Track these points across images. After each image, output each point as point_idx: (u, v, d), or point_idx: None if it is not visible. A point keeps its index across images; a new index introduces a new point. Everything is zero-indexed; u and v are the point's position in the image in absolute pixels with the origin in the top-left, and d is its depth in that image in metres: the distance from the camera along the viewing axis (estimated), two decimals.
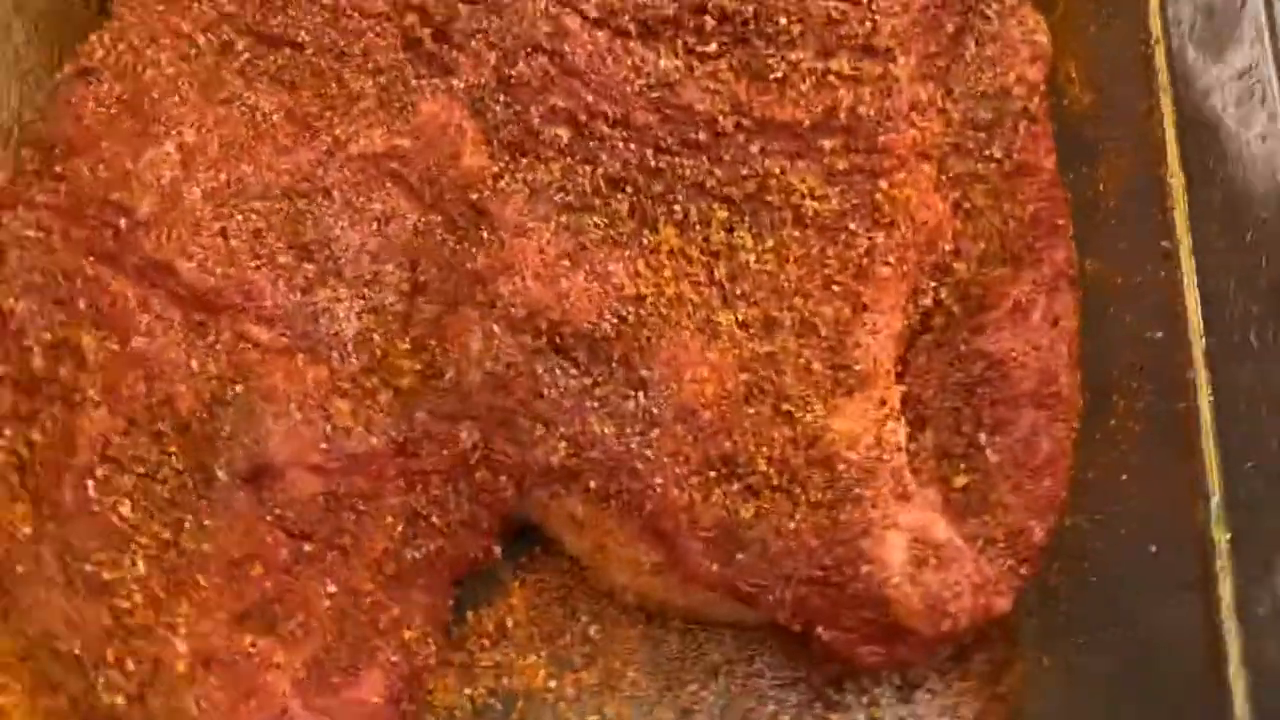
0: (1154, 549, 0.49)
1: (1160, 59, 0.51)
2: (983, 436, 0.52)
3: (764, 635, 0.56)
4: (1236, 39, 0.47)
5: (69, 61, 0.60)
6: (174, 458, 0.49)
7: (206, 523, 0.47)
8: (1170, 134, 0.49)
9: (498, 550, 0.53)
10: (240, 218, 0.53)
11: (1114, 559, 0.50)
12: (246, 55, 0.58)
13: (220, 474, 0.47)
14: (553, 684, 0.55)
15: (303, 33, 0.58)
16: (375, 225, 0.54)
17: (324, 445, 0.49)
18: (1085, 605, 0.51)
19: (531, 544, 0.56)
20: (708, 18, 0.56)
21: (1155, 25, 0.52)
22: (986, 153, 0.58)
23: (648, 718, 0.54)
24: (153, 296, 0.52)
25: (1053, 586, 0.52)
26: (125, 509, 0.48)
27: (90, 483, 0.48)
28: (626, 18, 0.56)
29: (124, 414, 0.49)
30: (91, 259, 0.53)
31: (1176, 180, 0.49)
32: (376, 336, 0.53)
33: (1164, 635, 0.48)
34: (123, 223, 0.53)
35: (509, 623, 0.55)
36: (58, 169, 0.56)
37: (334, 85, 0.56)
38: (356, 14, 0.58)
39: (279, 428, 0.48)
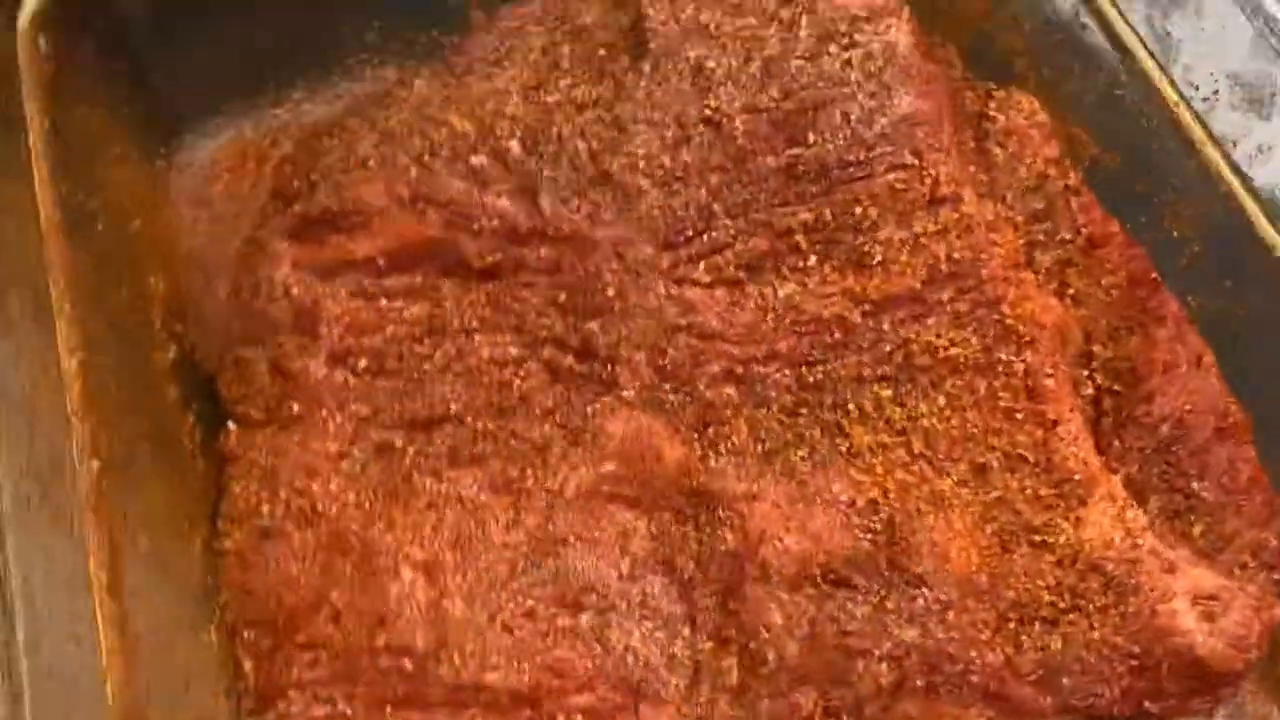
0: None
1: (1188, 119, 0.59)
2: (1194, 485, 0.59)
3: None
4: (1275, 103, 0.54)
5: (224, 524, 0.60)
6: None
7: None
8: (1236, 182, 0.57)
9: None
10: (511, 605, 0.55)
11: None
12: (412, 450, 0.59)
13: None
14: None
15: (451, 405, 0.60)
16: (618, 549, 0.57)
17: None
18: None
19: None
20: (797, 236, 0.61)
21: (1169, 91, 0.60)
22: (1059, 238, 0.65)
23: None
24: (475, 717, 0.53)
25: None
26: None
27: None
28: (732, 268, 0.60)
29: None
30: (391, 708, 0.54)
31: (1260, 219, 0.57)
32: (678, 650, 0.56)
33: None
34: (407, 663, 0.54)
35: None
36: (300, 638, 0.56)
37: (514, 442, 0.58)
38: (494, 367, 0.60)
39: None
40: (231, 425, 0.63)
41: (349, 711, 0.54)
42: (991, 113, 0.68)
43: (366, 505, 0.58)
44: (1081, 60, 0.67)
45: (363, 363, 0.61)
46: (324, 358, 0.62)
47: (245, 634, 0.57)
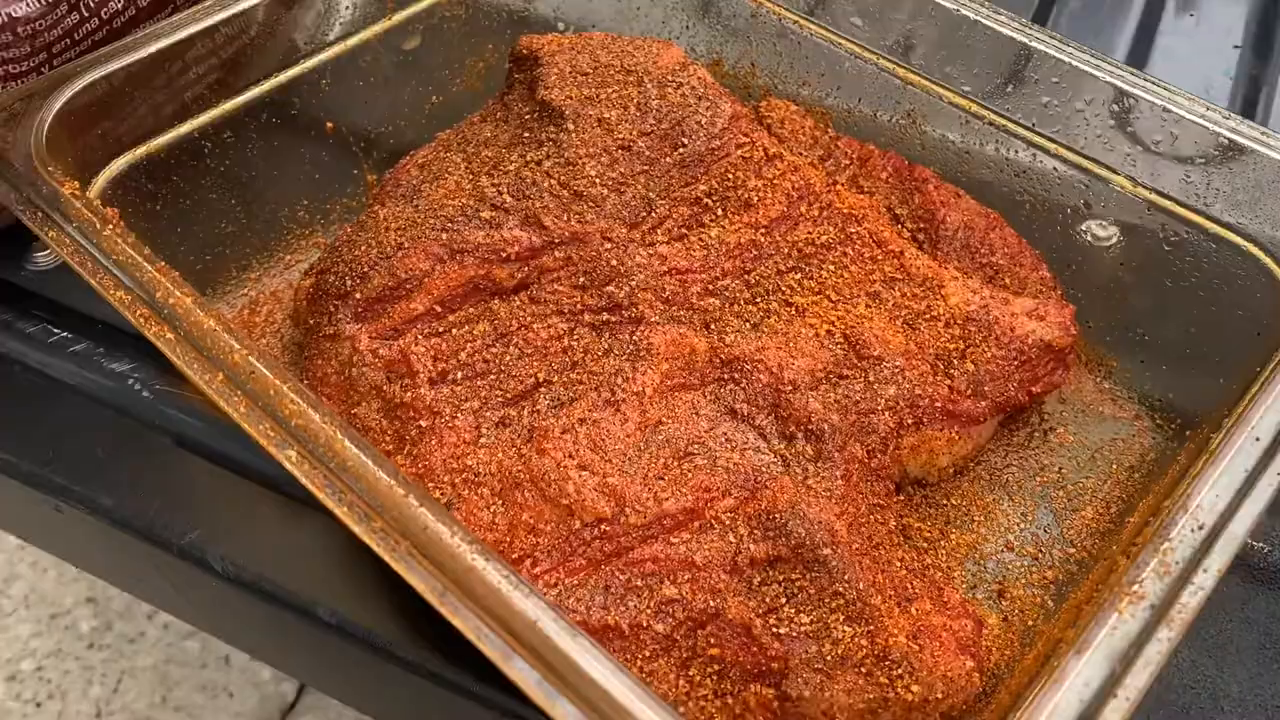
0: None
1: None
2: (991, 259, 0.93)
3: None
4: None
5: None
6: None
7: None
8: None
9: None
10: (652, 465, 0.76)
11: None
12: (526, 411, 0.79)
13: None
14: None
15: (538, 374, 0.81)
16: (695, 415, 0.80)
17: None
18: None
19: None
20: (704, 200, 0.90)
21: (852, 46, 0.98)
22: (842, 165, 1.00)
23: None
24: (665, 537, 0.73)
25: None
26: None
27: None
28: (676, 228, 0.88)
29: None
30: (605, 563, 0.72)
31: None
32: (767, 455, 0.79)
33: None
34: (605, 527, 0.73)
35: None
36: (515, 555, 0.73)
37: (595, 378, 0.80)
38: (553, 341, 0.82)
39: None
40: None
41: (579, 578, 0.72)
42: (765, 114, 1.03)
43: (516, 454, 0.77)
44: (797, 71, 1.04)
45: (459, 375, 0.81)
46: (426, 384, 0.81)
47: None
